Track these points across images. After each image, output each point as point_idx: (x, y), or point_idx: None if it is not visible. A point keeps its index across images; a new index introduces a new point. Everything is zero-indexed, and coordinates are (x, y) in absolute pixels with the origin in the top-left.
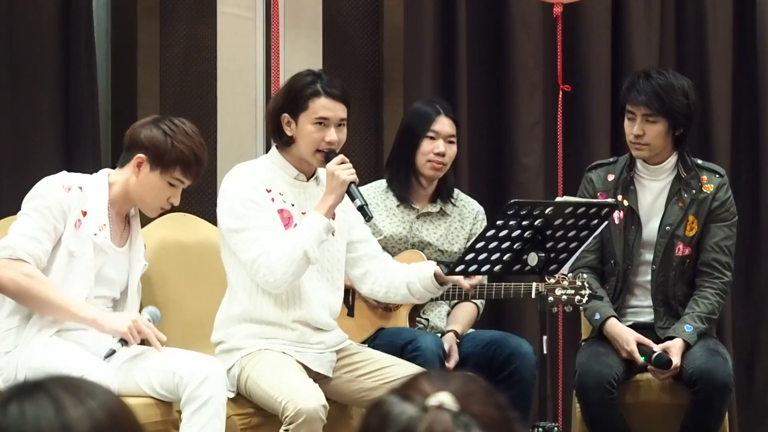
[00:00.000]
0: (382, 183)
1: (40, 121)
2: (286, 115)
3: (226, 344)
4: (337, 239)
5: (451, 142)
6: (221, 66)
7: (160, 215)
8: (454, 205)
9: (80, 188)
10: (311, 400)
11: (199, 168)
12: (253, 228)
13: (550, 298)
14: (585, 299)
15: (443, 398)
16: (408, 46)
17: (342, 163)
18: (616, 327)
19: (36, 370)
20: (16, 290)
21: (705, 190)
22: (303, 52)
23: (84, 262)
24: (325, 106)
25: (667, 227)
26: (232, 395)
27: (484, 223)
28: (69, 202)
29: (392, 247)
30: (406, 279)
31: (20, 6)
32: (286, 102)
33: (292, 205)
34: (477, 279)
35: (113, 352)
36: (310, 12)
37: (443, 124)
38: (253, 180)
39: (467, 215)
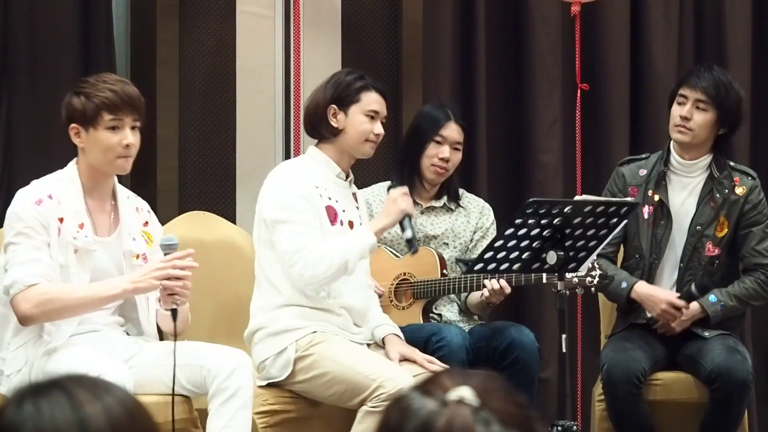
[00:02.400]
0: (386, 184)
1: (60, 118)
2: (333, 106)
3: (271, 328)
4: None
5: (456, 149)
6: (240, 64)
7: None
8: (460, 205)
9: (50, 196)
10: (407, 380)
11: (125, 100)
12: (300, 222)
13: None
14: (596, 280)
15: (464, 393)
16: (426, 43)
17: (405, 195)
18: (646, 288)
19: (51, 374)
20: (43, 315)
21: (737, 192)
22: (322, 49)
23: (74, 270)
24: (376, 100)
25: (698, 227)
26: (264, 382)
27: (491, 217)
28: (45, 215)
29: (398, 243)
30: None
31: (40, 4)
32: (335, 94)
33: (337, 201)
34: None
35: (175, 312)
36: (329, 10)
37: (452, 130)
38: (303, 175)
39: (473, 210)
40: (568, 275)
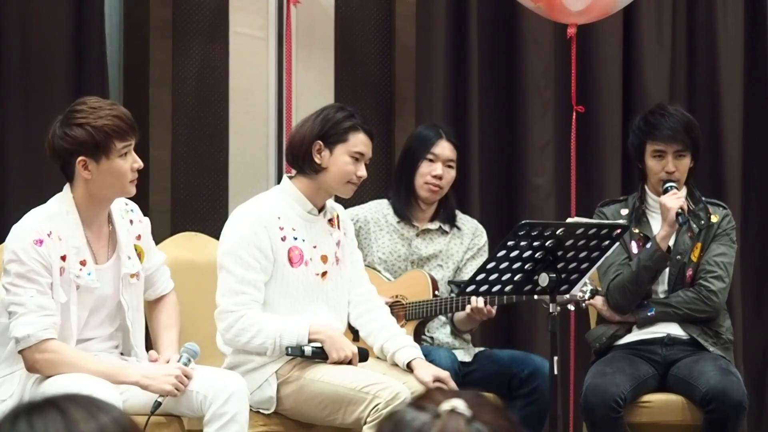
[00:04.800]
0: (383, 201)
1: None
2: (319, 142)
3: (247, 365)
4: (342, 269)
5: (449, 167)
6: (233, 85)
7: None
8: (456, 226)
9: (49, 234)
10: (402, 386)
11: (129, 123)
12: (240, 279)
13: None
14: (587, 295)
15: (456, 404)
16: (420, 66)
17: None
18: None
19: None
20: (49, 371)
21: (712, 220)
22: (315, 71)
23: (73, 307)
24: (363, 141)
25: (678, 256)
26: (267, 412)
27: (483, 238)
28: (47, 256)
29: (392, 264)
30: (382, 342)
31: (33, 25)
32: (322, 131)
33: (303, 240)
34: None
35: (159, 404)
36: (322, 32)
37: (443, 148)
38: (266, 219)
39: (466, 232)
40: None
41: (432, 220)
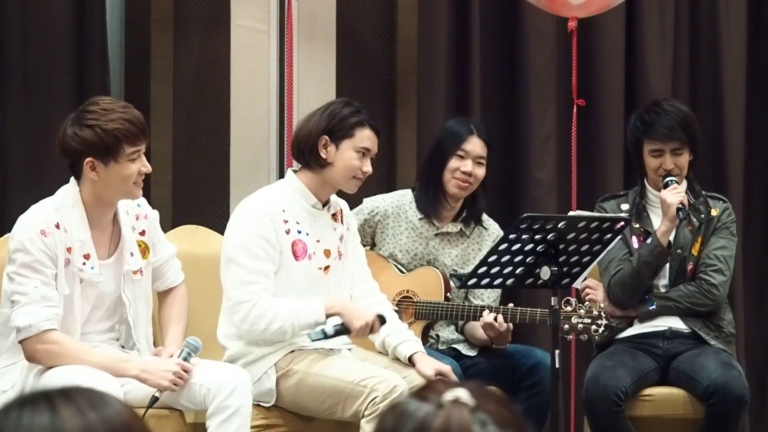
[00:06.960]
0: (407, 193)
1: (54, 132)
2: (325, 137)
3: (247, 357)
4: (344, 264)
5: (480, 164)
6: (234, 78)
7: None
8: (484, 227)
9: (56, 226)
10: (400, 379)
11: (140, 127)
12: (251, 269)
13: (566, 326)
14: (601, 329)
15: (460, 393)
16: (421, 59)
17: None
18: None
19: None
20: (49, 362)
21: (712, 214)
22: (316, 64)
23: (77, 300)
24: (369, 137)
25: (678, 250)
26: (267, 405)
27: None
28: (53, 247)
29: (408, 262)
30: (384, 336)
31: (34, 18)
32: (329, 126)
33: (307, 234)
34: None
35: (156, 399)
36: (324, 25)
37: (474, 145)
38: (272, 211)
39: (487, 238)
40: (573, 321)
41: (455, 220)
